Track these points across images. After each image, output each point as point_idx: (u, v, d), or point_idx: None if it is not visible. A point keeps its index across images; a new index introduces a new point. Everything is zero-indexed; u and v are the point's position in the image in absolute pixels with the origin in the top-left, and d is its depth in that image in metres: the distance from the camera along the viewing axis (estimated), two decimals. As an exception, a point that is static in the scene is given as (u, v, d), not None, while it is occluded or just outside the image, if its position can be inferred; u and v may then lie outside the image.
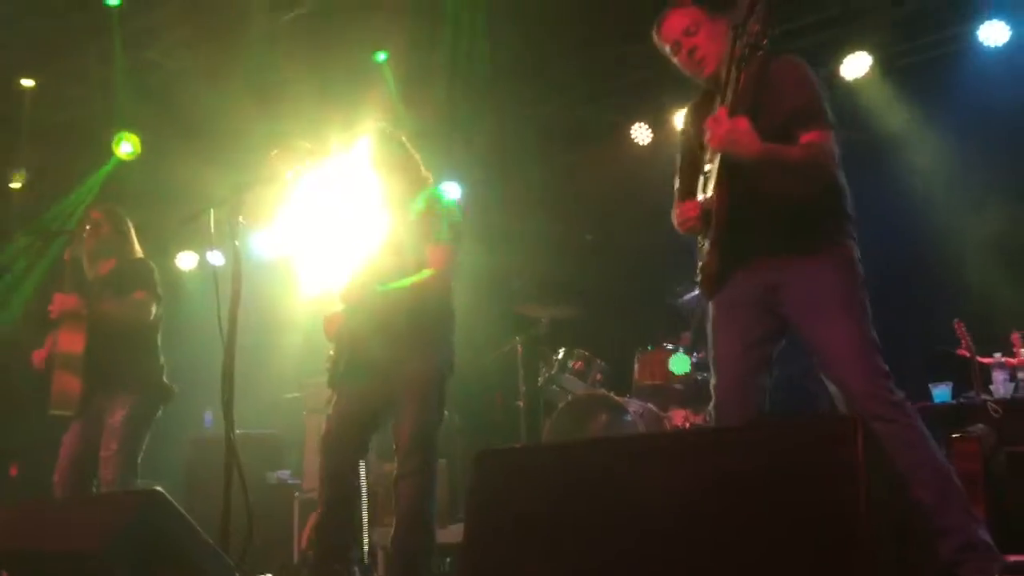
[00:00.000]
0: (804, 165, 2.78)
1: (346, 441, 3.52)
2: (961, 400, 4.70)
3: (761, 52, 2.65)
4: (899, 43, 6.45)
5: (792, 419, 1.79)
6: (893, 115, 6.35)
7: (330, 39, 6.40)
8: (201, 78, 6.56)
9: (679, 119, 6.95)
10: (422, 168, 3.80)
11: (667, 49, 3.06)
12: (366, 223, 3.70)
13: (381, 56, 6.87)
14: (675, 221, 3.00)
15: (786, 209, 2.84)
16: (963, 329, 4.63)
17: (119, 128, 6.95)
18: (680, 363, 5.48)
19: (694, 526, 1.82)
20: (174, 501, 2.85)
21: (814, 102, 2.84)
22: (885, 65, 6.40)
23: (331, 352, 3.56)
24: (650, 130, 7.08)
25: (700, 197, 2.91)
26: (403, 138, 3.80)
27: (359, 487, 3.55)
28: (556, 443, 4.44)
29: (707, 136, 2.76)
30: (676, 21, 3.00)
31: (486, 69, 7.13)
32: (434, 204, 3.64)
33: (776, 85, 2.82)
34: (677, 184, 3.16)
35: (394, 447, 3.51)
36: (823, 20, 6.54)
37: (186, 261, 8.40)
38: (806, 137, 2.79)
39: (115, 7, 6.06)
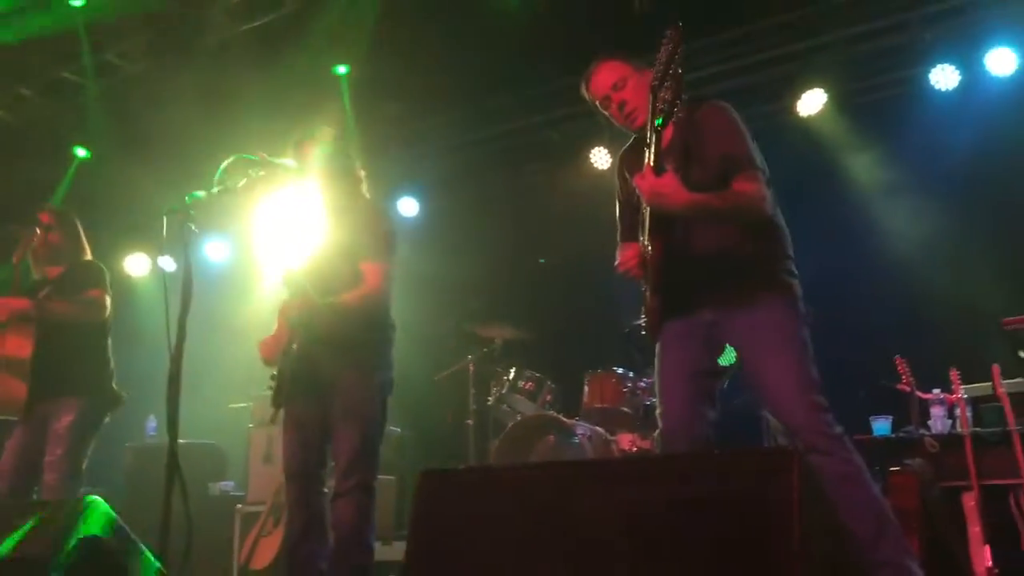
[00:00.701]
0: (734, 212, 2.88)
1: (308, 467, 3.50)
2: (900, 434, 4.80)
3: (679, 109, 2.72)
4: (854, 81, 6.63)
5: (733, 451, 1.82)
6: (845, 151, 6.52)
7: (288, 50, 6.39)
8: (157, 84, 6.51)
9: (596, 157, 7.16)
10: (364, 183, 3.80)
11: (597, 103, 3.15)
12: (308, 232, 3.68)
13: (341, 69, 6.87)
14: (616, 266, 3.07)
15: (722, 254, 2.93)
16: (904, 365, 4.73)
17: (76, 129, 6.87)
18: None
19: (635, 552, 1.85)
20: (112, 510, 2.82)
21: (741, 148, 2.93)
22: (840, 102, 6.56)
23: (274, 372, 3.53)
24: (609, 155, 7.17)
25: (640, 239, 2.99)
26: (349, 150, 3.80)
27: (324, 509, 3.52)
28: (501, 465, 4.45)
29: (638, 189, 2.83)
30: (604, 76, 3.11)
31: (448, 85, 7.18)
32: (371, 219, 3.64)
33: (703, 133, 2.92)
34: (619, 229, 3.27)
35: (333, 465, 3.49)
36: (778, 56, 6.70)
37: (136, 266, 8.30)
38: (737, 183, 2.87)
39: (80, 7, 5.98)
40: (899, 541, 2.75)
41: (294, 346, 3.40)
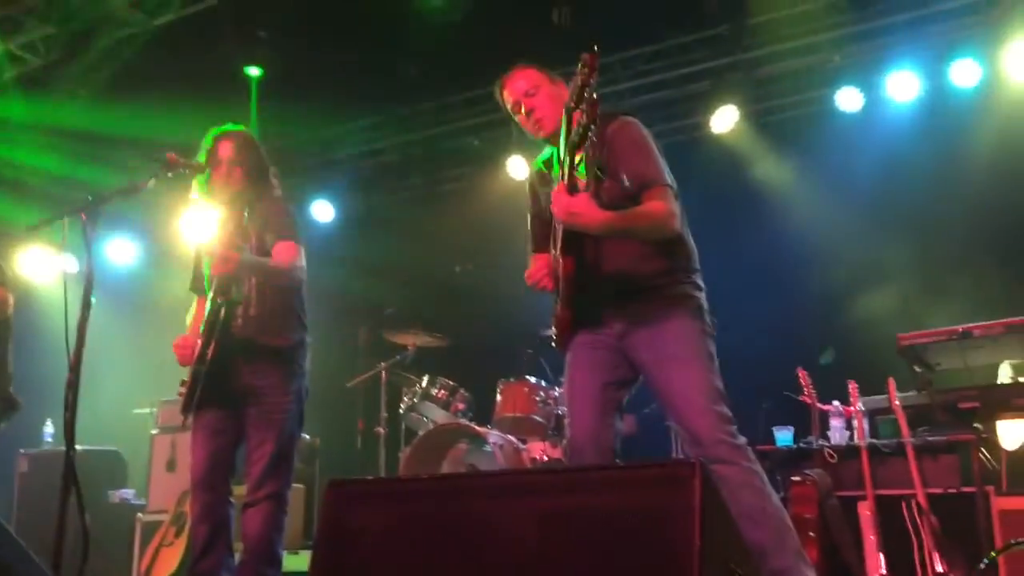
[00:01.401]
0: (644, 231, 2.94)
1: (217, 476, 3.42)
2: (801, 445, 4.94)
3: (592, 133, 2.77)
4: (764, 100, 6.83)
5: (637, 462, 1.85)
6: (754, 168, 6.70)
7: (199, 49, 6.26)
8: (62, 77, 6.31)
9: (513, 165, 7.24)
10: (277, 182, 3.75)
11: (508, 107, 3.19)
12: (219, 228, 3.60)
13: (254, 71, 6.75)
14: (527, 278, 3.09)
15: (630, 269, 2.99)
16: (806, 377, 4.87)
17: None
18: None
19: (543, 564, 1.86)
20: (2, 521, 2.70)
21: (650, 165, 2.99)
22: (752, 120, 6.75)
23: (184, 377, 3.44)
24: (526, 164, 7.22)
25: (552, 252, 3.02)
26: (261, 149, 3.74)
27: (231, 520, 3.43)
28: (410, 476, 4.42)
29: (554, 209, 2.86)
30: (518, 82, 3.16)
31: (364, 89, 7.14)
32: (281, 208, 3.61)
33: (614, 149, 2.98)
34: (529, 240, 3.31)
35: (246, 473, 3.42)
36: (692, 74, 6.85)
37: (34, 265, 7.99)
38: (646, 200, 2.94)
39: None
40: (798, 549, 2.82)
41: (208, 349, 3.31)
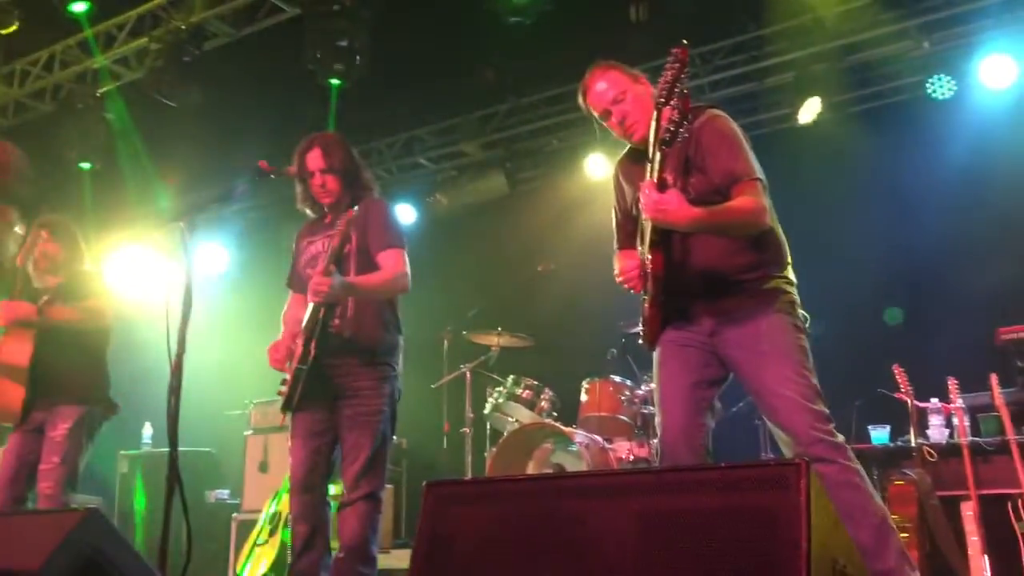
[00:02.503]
0: (734, 226, 2.89)
1: (316, 477, 3.47)
2: (898, 443, 4.81)
3: (684, 129, 2.72)
4: (850, 90, 6.66)
5: (742, 462, 1.82)
6: (843, 160, 6.54)
7: (282, 57, 6.40)
8: (155, 91, 6.51)
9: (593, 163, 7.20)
10: (375, 185, 3.80)
11: (595, 114, 3.16)
12: (320, 235, 3.68)
13: (335, 80, 6.85)
14: (616, 276, 3.06)
15: (721, 265, 2.94)
16: (902, 373, 4.74)
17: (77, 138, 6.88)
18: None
19: (642, 565, 1.84)
20: (110, 520, 2.79)
21: (740, 158, 2.94)
22: (838, 110, 6.59)
23: (286, 376, 3.51)
24: (606, 162, 7.18)
25: (639, 249, 2.99)
26: (355, 154, 3.80)
27: (328, 520, 3.50)
28: (507, 476, 4.43)
29: (640, 203, 2.83)
30: (604, 89, 3.11)
31: (444, 92, 7.21)
32: (382, 212, 3.65)
33: (702, 143, 2.92)
34: (616, 238, 3.28)
35: (342, 474, 3.48)
36: (775, 66, 6.73)
37: (132, 272, 8.29)
38: (736, 194, 2.89)
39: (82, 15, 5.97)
40: (900, 549, 2.75)
41: (310, 348, 3.37)
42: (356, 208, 3.46)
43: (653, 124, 2.81)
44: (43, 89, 7.17)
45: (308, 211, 3.79)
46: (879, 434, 4.89)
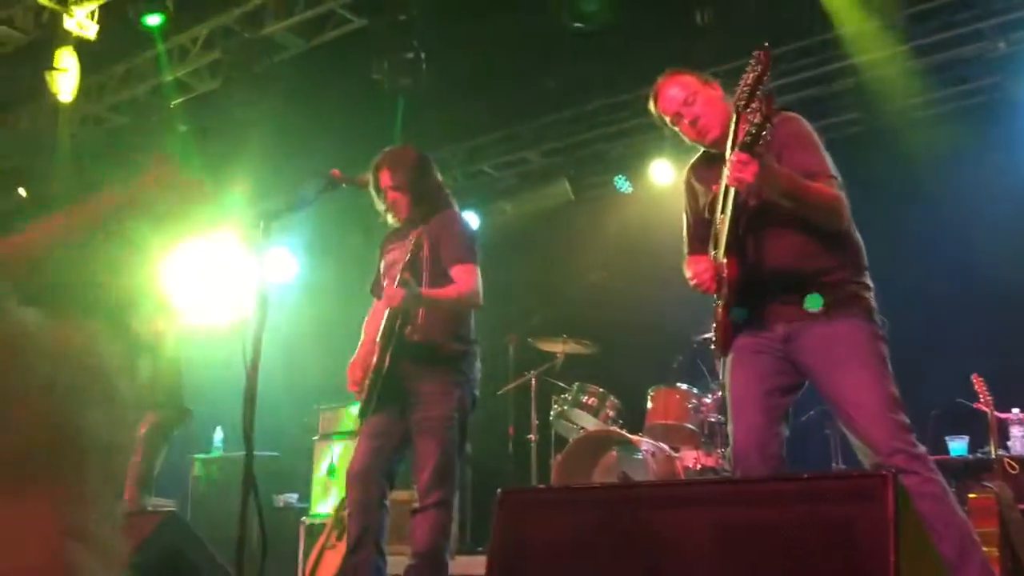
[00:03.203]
0: (820, 205, 2.82)
1: (371, 475, 3.50)
2: (978, 455, 4.68)
3: (767, 132, 2.66)
4: (924, 93, 6.51)
5: (825, 472, 1.78)
6: (917, 163, 6.39)
7: (349, 67, 6.49)
8: (227, 101, 6.65)
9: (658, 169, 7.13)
10: (449, 195, 3.84)
11: (667, 119, 3.13)
12: (394, 247, 3.73)
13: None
14: (689, 280, 3.02)
15: (797, 267, 2.89)
16: (981, 383, 4.60)
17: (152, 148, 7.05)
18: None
19: (716, 574, 1.82)
20: (189, 524, 2.85)
21: (816, 157, 2.90)
22: (910, 114, 6.45)
23: (366, 383, 3.55)
24: (671, 168, 7.13)
25: (712, 254, 2.95)
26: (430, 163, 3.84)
27: (385, 520, 3.53)
28: (580, 485, 4.41)
29: (727, 175, 2.75)
30: (675, 92, 3.08)
31: (505, 100, 7.24)
32: (455, 225, 3.68)
33: (778, 146, 2.86)
34: (686, 242, 3.24)
35: (414, 480, 3.50)
36: (842, 69, 6.61)
37: (206, 280, 8.46)
38: None
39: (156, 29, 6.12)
40: (983, 563, 2.67)
41: (386, 357, 3.42)
42: (431, 220, 3.52)
43: (732, 128, 2.78)
44: (120, 102, 7.37)
45: (390, 220, 3.85)
46: (957, 445, 4.77)
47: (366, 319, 3.84)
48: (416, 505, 3.46)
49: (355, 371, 3.61)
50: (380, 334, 3.49)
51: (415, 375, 3.49)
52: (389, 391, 3.48)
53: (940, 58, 6.32)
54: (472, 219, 8.27)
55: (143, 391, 4.34)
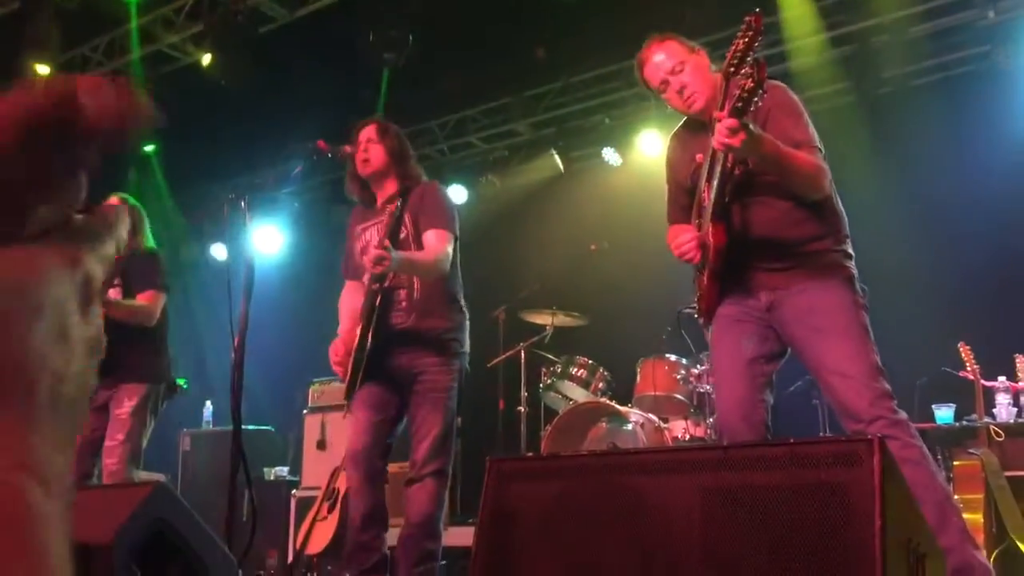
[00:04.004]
0: (802, 172, 2.82)
1: (376, 451, 3.49)
2: (964, 423, 4.70)
3: (759, 97, 2.62)
4: (913, 62, 6.50)
5: (811, 437, 1.79)
6: (906, 133, 6.39)
7: (333, 39, 6.43)
8: (211, 73, 6.59)
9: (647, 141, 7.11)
10: (419, 167, 3.81)
11: (653, 86, 3.11)
12: (374, 214, 3.70)
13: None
14: (673, 250, 3.01)
15: (781, 235, 2.90)
16: (968, 351, 4.62)
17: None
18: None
19: (709, 540, 1.83)
20: (180, 497, 2.84)
21: (800, 126, 2.90)
22: (900, 83, 6.43)
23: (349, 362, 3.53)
24: (660, 139, 7.11)
25: (696, 222, 2.95)
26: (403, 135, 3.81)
27: (385, 495, 3.53)
28: (567, 453, 4.42)
29: (714, 139, 2.73)
30: (662, 60, 3.05)
31: (492, 72, 7.19)
32: (433, 193, 3.66)
33: (762, 112, 2.85)
34: (668, 210, 3.23)
35: (411, 450, 3.49)
36: (833, 39, 6.57)
37: (190, 252, 8.45)
38: None
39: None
40: (963, 528, 2.70)
41: (368, 336, 3.39)
42: (410, 196, 3.50)
43: (722, 94, 2.76)
44: (104, 75, 7.30)
45: (355, 196, 3.80)
46: (943, 414, 4.79)
47: (340, 301, 3.80)
48: (411, 475, 3.45)
49: (337, 350, 3.58)
50: (362, 313, 3.47)
51: (411, 353, 3.48)
52: (381, 366, 3.46)
53: (930, 27, 6.29)
54: (460, 192, 8.25)
55: (128, 364, 4.32)
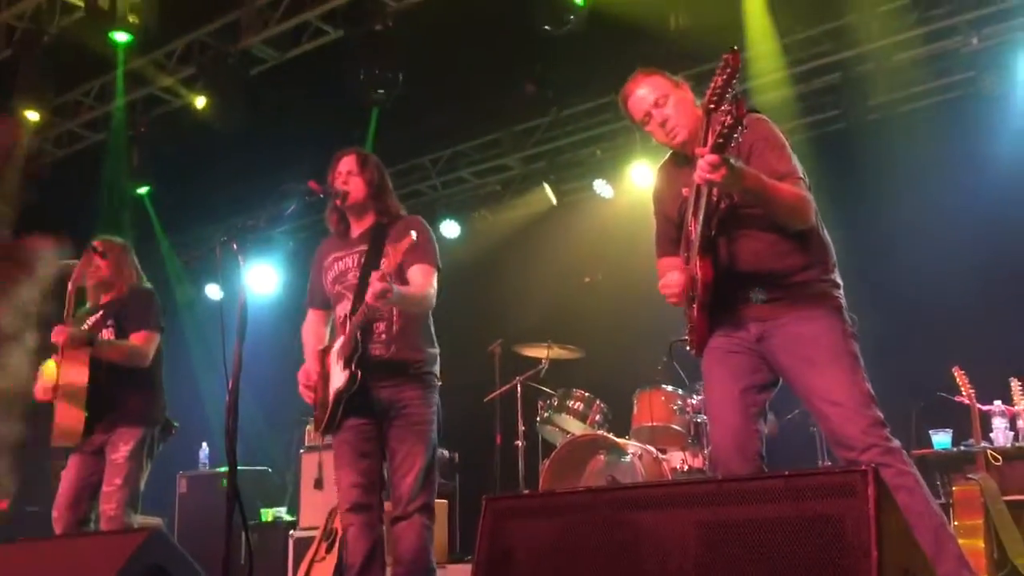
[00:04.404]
0: (786, 204, 2.83)
1: (372, 496, 3.46)
2: (961, 448, 4.70)
3: (739, 133, 2.65)
4: (900, 89, 6.56)
5: (806, 470, 1.79)
6: (895, 159, 6.44)
7: (321, 79, 6.50)
8: (203, 115, 6.63)
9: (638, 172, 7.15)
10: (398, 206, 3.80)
11: (636, 120, 3.14)
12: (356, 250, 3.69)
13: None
14: (660, 288, 3.02)
15: (768, 267, 2.91)
16: (963, 376, 4.62)
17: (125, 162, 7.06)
18: None
19: (701, 573, 1.82)
20: (174, 541, 2.83)
21: (783, 159, 2.92)
22: (887, 110, 6.50)
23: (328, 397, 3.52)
24: (650, 171, 7.15)
25: (684, 255, 2.97)
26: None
27: (383, 536, 3.50)
28: (564, 490, 4.41)
29: (697, 175, 2.74)
30: (646, 93, 3.08)
31: (483, 106, 7.25)
32: (416, 229, 3.62)
33: (745, 147, 2.87)
34: (657, 244, 3.25)
35: (392, 487, 3.46)
36: (819, 68, 6.64)
37: (186, 293, 8.45)
38: None
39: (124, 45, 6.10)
40: (958, 555, 2.69)
41: (357, 374, 3.37)
42: (392, 229, 3.51)
43: (704, 131, 2.79)
44: (96, 119, 7.34)
45: (331, 227, 3.77)
46: (940, 439, 4.79)
47: (303, 330, 3.78)
48: (397, 513, 3.42)
49: (309, 375, 3.56)
50: (342, 348, 3.45)
51: (392, 384, 3.46)
52: (358, 404, 3.43)
53: (916, 54, 6.37)
54: (453, 227, 8.28)
55: (123, 407, 4.29)
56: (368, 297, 3.25)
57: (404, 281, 3.50)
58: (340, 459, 3.52)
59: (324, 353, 3.62)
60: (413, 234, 3.27)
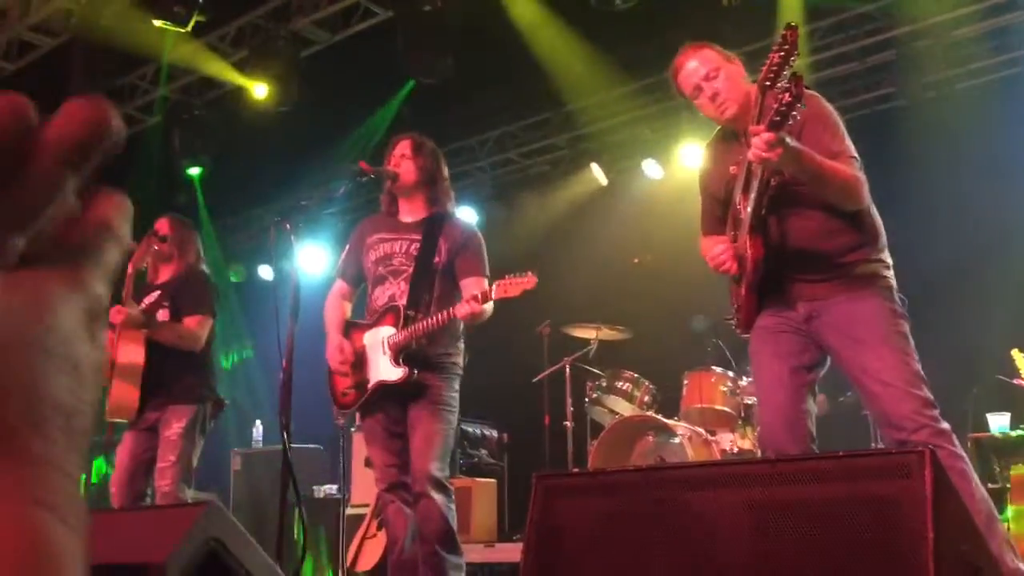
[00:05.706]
0: (839, 184, 2.80)
1: (406, 474, 3.51)
2: (1020, 430, 4.61)
3: (797, 111, 2.61)
4: (956, 66, 6.40)
5: (863, 450, 1.77)
6: (949, 138, 6.29)
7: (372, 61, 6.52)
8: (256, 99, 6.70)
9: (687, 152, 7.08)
10: (451, 194, 3.83)
11: (687, 92, 3.10)
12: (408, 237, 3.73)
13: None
14: (708, 261, 3.00)
15: (818, 246, 2.89)
16: (1021, 358, 4.53)
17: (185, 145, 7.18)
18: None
19: (754, 556, 1.81)
20: (231, 516, 2.88)
21: (837, 137, 2.89)
22: (943, 87, 6.34)
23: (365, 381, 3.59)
24: (701, 151, 7.08)
25: (731, 235, 2.94)
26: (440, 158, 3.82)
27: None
28: (614, 468, 4.42)
29: (751, 153, 2.71)
30: (696, 66, 3.05)
31: (532, 86, 7.22)
32: (477, 242, 3.69)
33: (800, 125, 2.82)
34: (702, 221, 3.23)
35: (415, 466, 3.48)
36: (875, 44, 6.50)
37: (240, 273, 8.57)
38: None
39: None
40: (1004, 538, 2.69)
41: (412, 370, 3.45)
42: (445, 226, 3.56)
43: (758, 107, 2.75)
44: (151, 102, 7.46)
45: (383, 208, 3.81)
46: (999, 422, 4.69)
47: (329, 300, 3.85)
48: (417, 490, 3.44)
49: (345, 354, 3.64)
50: (392, 339, 3.52)
51: (421, 371, 3.52)
52: (392, 387, 3.52)
53: (979, 28, 6.21)
54: (501, 208, 8.28)
55: (176, 385, 4.38)
56: (463, 312, 3.31)
57: (452, 280, 3.54)
58: (373, 439, 3.64)
59: (350, 327, 3.67)
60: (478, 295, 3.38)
